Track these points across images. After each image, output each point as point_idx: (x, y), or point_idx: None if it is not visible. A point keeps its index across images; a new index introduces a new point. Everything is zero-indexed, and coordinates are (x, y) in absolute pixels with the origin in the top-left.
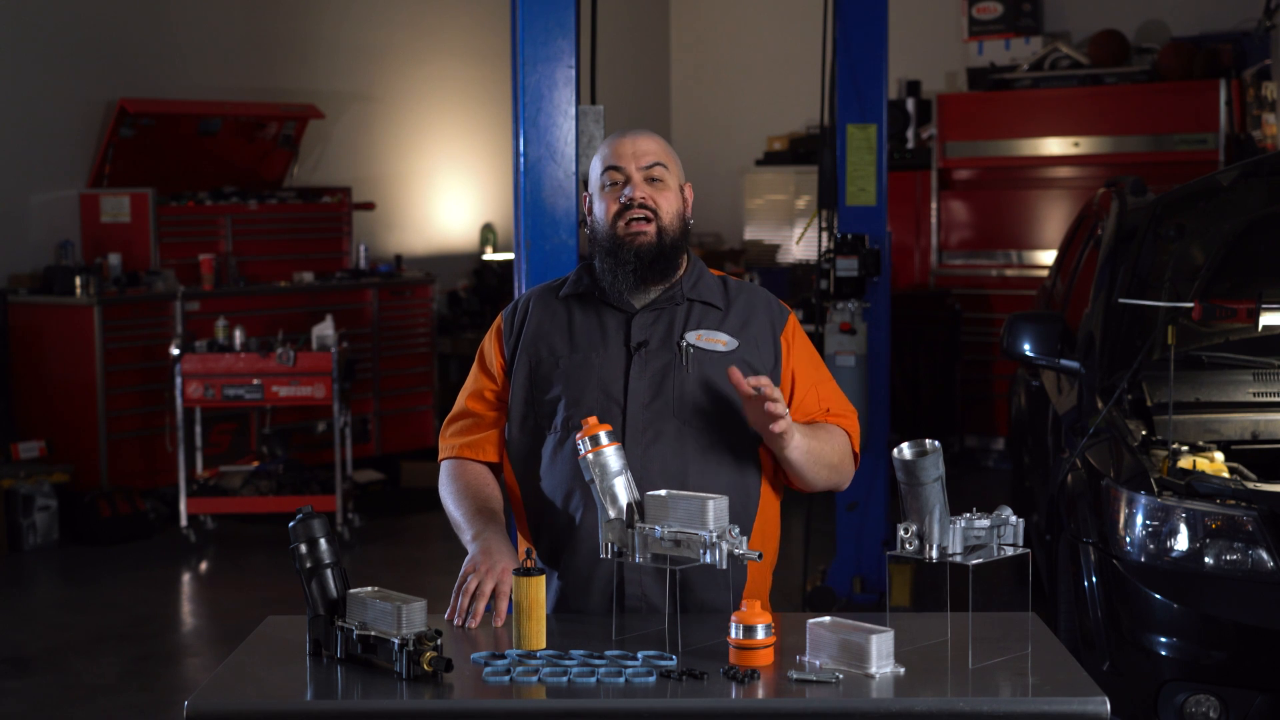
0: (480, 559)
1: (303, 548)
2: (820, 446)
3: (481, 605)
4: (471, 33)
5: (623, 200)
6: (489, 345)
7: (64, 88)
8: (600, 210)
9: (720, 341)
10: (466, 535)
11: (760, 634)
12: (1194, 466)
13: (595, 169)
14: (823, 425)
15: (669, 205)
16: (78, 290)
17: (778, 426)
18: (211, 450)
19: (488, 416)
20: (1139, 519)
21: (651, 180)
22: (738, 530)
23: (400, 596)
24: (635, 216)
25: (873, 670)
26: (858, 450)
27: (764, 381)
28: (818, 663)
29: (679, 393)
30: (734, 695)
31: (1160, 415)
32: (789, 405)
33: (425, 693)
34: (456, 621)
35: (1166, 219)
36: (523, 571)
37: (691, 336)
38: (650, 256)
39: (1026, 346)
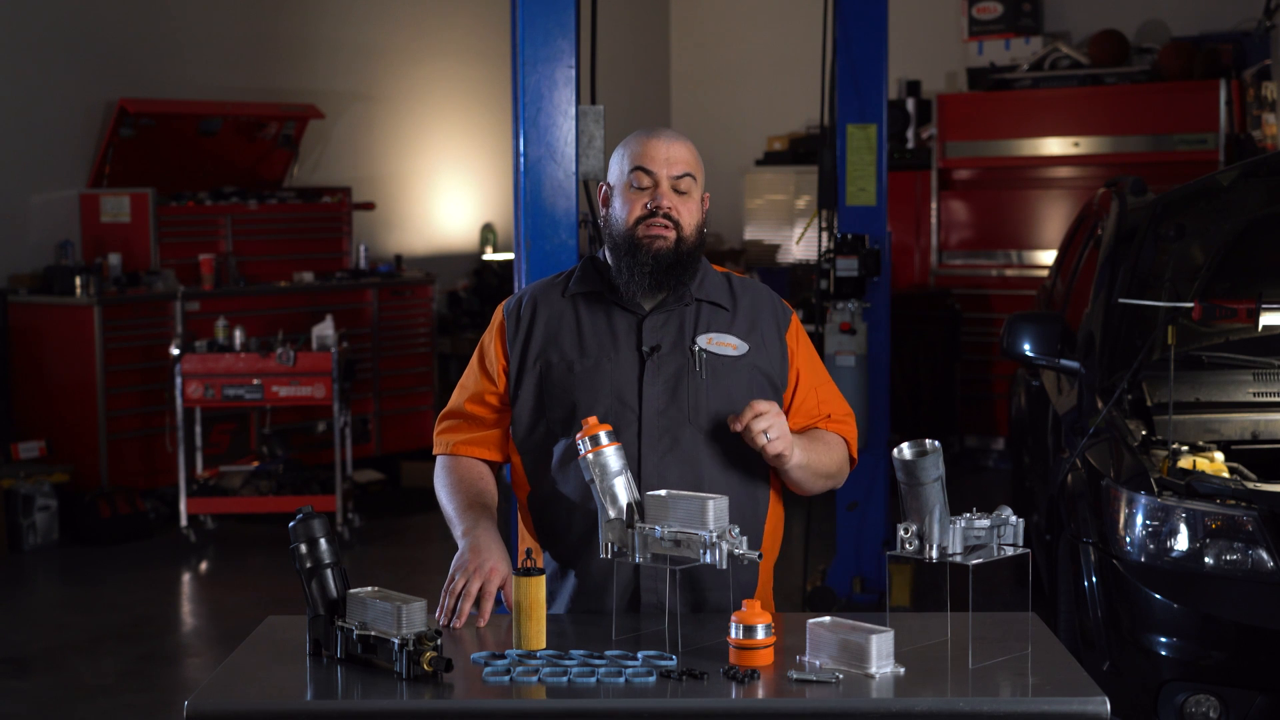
0: (469, 557)
1: (303, 548)
2: (818, 460)
3: (468, 605)
4: (471, 33)
5: (648, 207)
6: (490, 345)
7: (64, 88)
8: (620, 209)
9: (731, 345)
10: (457, 530)
11: (760, 634)
12: (1194, 466)
13: (621, 163)
14: (821, 435)
15: (691, 217)
16: (78, 290)
17: (772, 449)
18: (211, 450)
19: (488, 419)
20: (1139, 519)
21: (678, 191)
22: (737, 530)
23: (400, 596)
24: (658, 224)
25: (873, 670)
26: (855, 456)
27: (748, 415)
28: (818, 663)
29: (693, 399)
30: (734, 695)
31: (1160, 415)
32: (791, 406)
33: (425, 693)
34: (443, 621)
35: (1166, 219)
36: (523, 571)
37: (703, 340)
38: (667, 261)
39: (1026, 346)
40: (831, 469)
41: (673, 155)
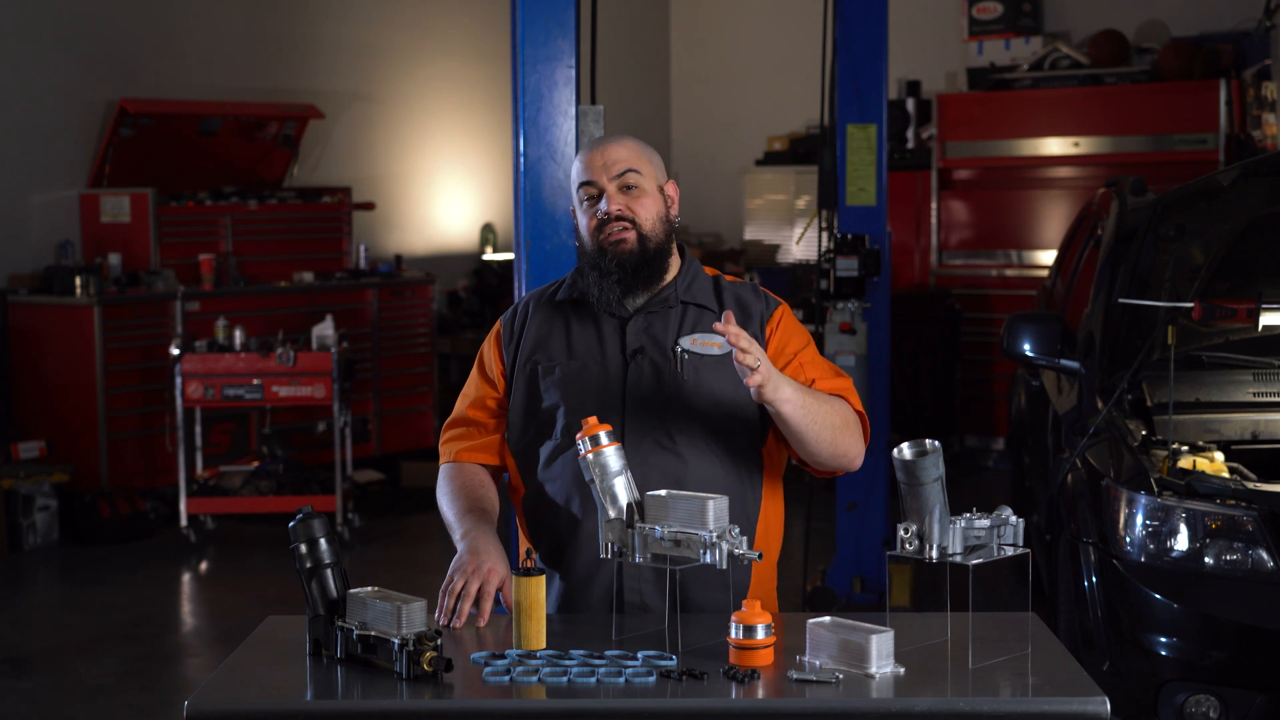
0: (467, 559)
1: (303, 548)
2: (816, 404)
3: (467, 606)
4: (471, 33)
5: (600, 215)
6: (489, 351)
7: (64, 88)
8: (582, 225)
9: (714, 344)
10: (456, 534)
11: (760, 634)
12: (1194, 466)
13: (572, 183)
14: (813, 390)
15: (647, 211)
16: (78, 290)
17: (753, 380)
18: (211, 450)
19: (489, 423)
20: (1139, 519)
21: (626, 188)
22: (737, 530)
23: (400, 596)
24: (615, 228)
25: (873, 670)
26: (861, 410)
27: (733, 331)
28: (818, 663)
29: (676, 398)
30: (734, 695)
31: (1160, 415)
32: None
33: (425, 693)
34: (442, 621)
35: (1166, 219)
36: (523, 571)
37: (685, 341)
38: (633, 264)
39: (1026, 346)
40: (834, 418)
41: (609, 158)
